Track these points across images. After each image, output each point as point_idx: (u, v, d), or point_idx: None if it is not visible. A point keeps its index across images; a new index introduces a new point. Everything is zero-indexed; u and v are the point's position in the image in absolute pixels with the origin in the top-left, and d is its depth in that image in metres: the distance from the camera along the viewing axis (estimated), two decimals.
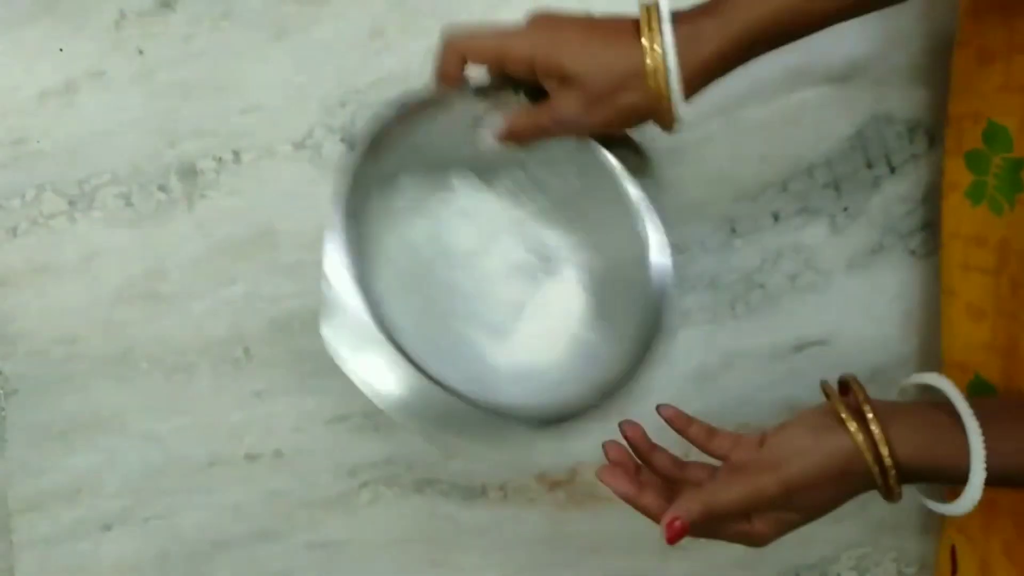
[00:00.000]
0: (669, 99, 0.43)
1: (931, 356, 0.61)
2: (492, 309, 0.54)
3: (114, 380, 0.60)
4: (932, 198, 0.60)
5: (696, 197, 0.59)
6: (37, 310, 0.59)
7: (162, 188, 0.59)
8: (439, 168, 0.51)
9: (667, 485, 0.46)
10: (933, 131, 0.59)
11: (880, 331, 0.61)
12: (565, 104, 0.45)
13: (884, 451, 0.41)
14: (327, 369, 0.60)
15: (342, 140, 0.59)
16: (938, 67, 0.58)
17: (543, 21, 0.46)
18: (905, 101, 0.59)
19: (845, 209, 0.60)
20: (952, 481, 0.41)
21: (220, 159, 0.59)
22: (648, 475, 0.47)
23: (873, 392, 0.61)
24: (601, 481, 0.46)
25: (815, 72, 0.59)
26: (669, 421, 0.51)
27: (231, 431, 0.61)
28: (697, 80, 0.44)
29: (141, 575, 0.62)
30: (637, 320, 0.51)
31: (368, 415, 0.61)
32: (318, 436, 0.61)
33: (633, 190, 0.50)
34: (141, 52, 0.58)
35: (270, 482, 0.61)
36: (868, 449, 0.41)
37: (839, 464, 0.42)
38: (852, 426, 0.42)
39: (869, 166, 0.60)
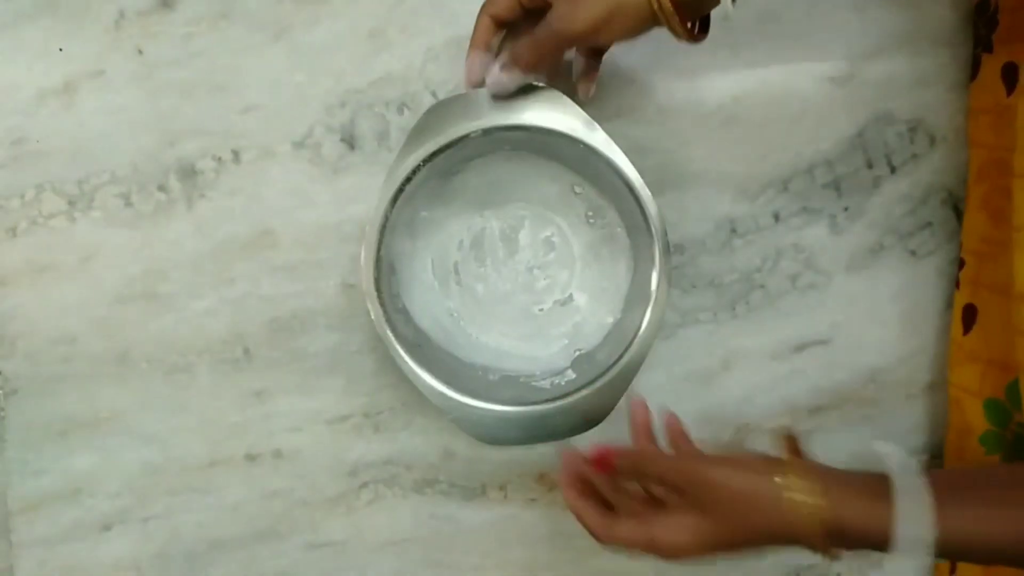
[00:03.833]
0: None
1: (931, 356, 0.61)
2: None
3: (113, 380, 0.60)
4: (932, 198, 0.60)
5: (696, 197, 0.60)
6: (37, 310, 0.59)
7: (162, 188, 0.59)
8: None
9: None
10: (933, 131, 0.59)
11: (880, 331, 0.61)
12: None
13: (820, 501, 0.40)
14: (327, 369, 0.60)
15: (342, 140, 0.59)
16: (938, 67, 0.58)
17: None
18: (905, 101, 0.59)
19: (845, 209, 0.60)
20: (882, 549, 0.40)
21: (220, 159, 0.59)
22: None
23: (873, 393, 0.61)
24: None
25: (815, 72, 0.59)
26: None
27: (231, 431, 0.61)
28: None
29: (141, 575, 0.62)
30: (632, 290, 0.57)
31: (368, 415, 0.61)
32: (318, 436, 0.61)
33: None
34: (141, 52, 0.58)
35: (270, 482, 0.61)
36: (800, 491, 0.41)
37: (765, 491, 0.42)
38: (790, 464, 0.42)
39: (869, 166, 0.60)
